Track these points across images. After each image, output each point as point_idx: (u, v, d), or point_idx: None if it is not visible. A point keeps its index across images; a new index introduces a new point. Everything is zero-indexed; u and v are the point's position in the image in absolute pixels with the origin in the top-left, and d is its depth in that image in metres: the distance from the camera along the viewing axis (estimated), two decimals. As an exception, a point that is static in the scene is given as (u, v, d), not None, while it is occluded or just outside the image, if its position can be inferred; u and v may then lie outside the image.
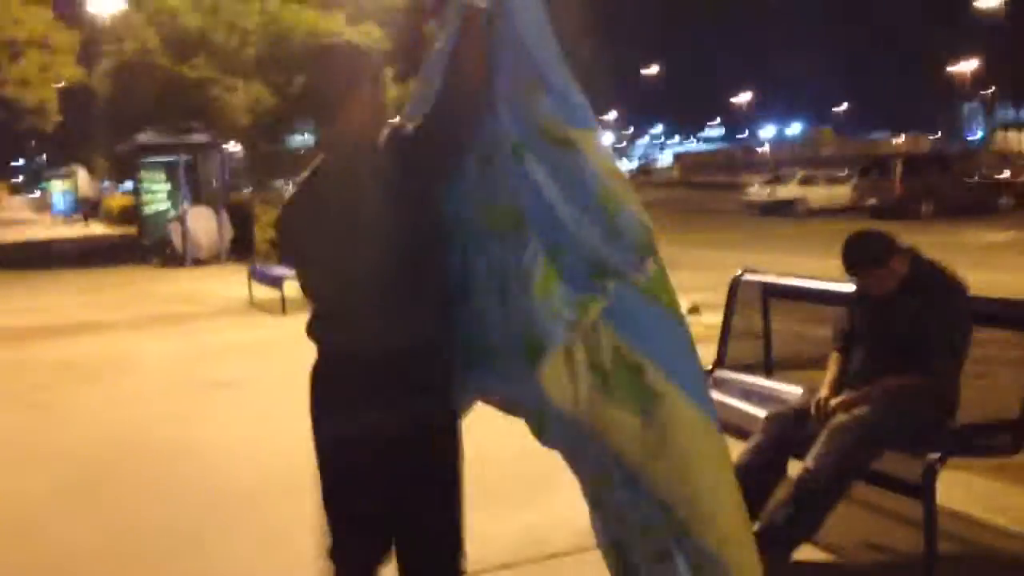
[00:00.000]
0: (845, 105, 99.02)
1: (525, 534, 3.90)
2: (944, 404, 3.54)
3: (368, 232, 2.26)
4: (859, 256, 3.59)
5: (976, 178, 27.33)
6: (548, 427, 2.56)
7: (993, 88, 72.21)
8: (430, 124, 2.32)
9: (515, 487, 4.40)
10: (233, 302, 11.91)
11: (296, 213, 2.44)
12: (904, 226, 21.67)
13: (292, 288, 10.85)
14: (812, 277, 4.78)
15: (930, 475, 3.22)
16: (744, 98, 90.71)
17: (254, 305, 11.46)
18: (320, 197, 2.37)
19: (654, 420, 2.36)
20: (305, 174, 2.46)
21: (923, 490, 3.23)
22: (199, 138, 18.76)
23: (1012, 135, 55.80)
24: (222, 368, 7.93)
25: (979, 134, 70.44)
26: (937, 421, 3.51)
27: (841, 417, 3.46)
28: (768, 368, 4.79)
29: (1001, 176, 28.75)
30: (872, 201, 26.37)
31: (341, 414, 2.35)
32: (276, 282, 10.85)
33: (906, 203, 24.95)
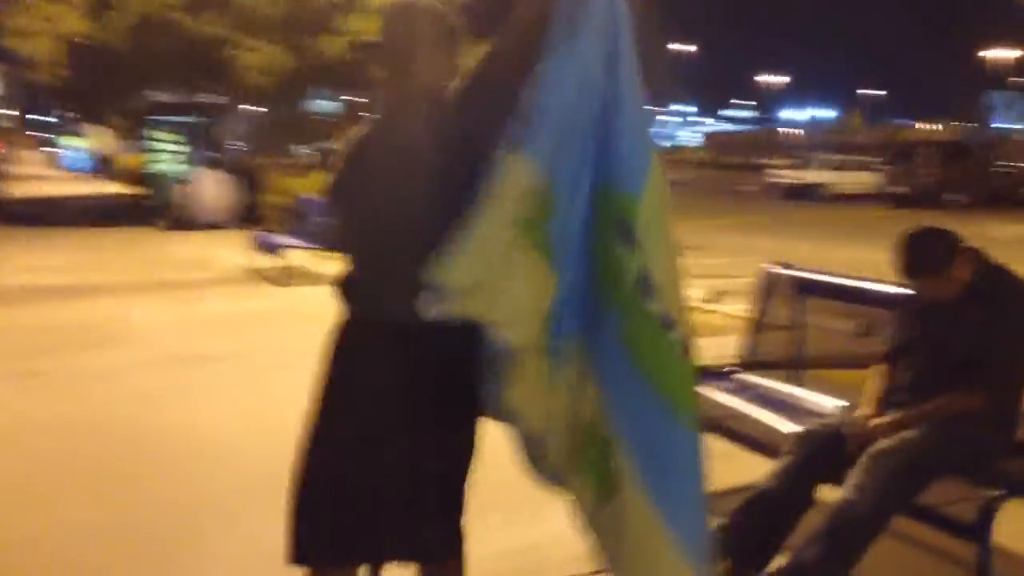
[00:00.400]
0: (878, 91, 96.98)
1: (518, 556, 3.51)
2: (1005, 430, 3.09)
3: (410, 194, 2.18)
4: (918, 261, 3.12)
5: (1006, 168, 26.73)
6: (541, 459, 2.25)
7: (1024, 78, 70.86)
8: (468, 88, 2.23)
9: (509, 499, 3.97)
10: (236, 270, 11.52)
11: (347, 165, 2.39)
12: (932, 217, 21.25)
13: (296, 258, 10.55)
14: (850, 275, 4.33)
15: (987, 515, 2.80)
16: (774, 80, 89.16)
17: (257, 274, 11.07)
18: (372, 152, 2.32)
19: (611, 505, 2.12)
20: (365, 126, 2.41)
21: (978, 531, 2.80)
22: (212, 99, 18.33)
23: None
24: (215, 341, 7.54)
25: (1008, 123, 69.27)
26: (996, 449, 3.07)
27: (884, 441, 3.01)
28: (797, 372, 4.34)
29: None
30: (900, 189, 25.84)
31: (353, 382, 2.28)
32: (279, 251, 10.48)
33: (932, 192, 24.42)
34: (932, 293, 3.16)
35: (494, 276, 2.06)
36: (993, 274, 3.13)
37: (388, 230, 2.24)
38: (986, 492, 2.85)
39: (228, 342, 7.45)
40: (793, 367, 4.34)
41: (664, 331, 2.02)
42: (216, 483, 4.32)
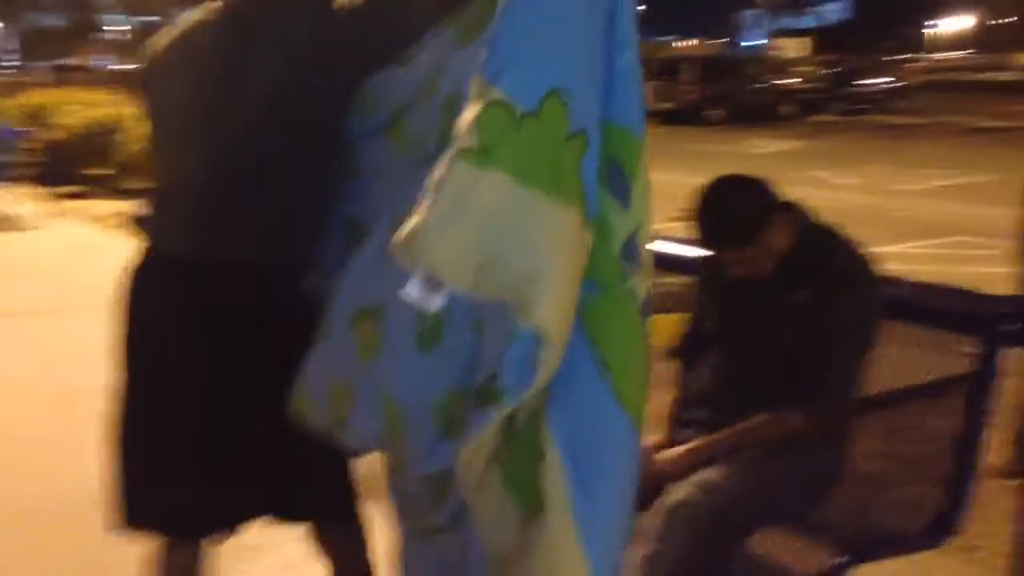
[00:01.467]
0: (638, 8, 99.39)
1: None
2: (839, 456, 2.27)
3: (235, 107, 1.80)
4: (720, 226, 2.20)
5: (764, 84, 27.64)
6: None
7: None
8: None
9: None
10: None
11: (158, 66, 1.96)
12: (694, 132, 21.49)
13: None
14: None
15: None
16: None
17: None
18: (191, 51, 1.88)
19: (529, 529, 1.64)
20: (190, 15, 1.95)
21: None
22: None
23: (788, 42, 58.08)
24: None
25: (758, 41, 73.16)
26: (830, 484, 2.25)
27: (684, 489, 2.10)
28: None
29: (786, 82, 29.27)
30: (664, 105, 26.16)
31: (153, 326, 1.92)
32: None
33: (694, 108, 24.90)
34: (740, 268, 2.26)
35: (501, 243, 1.56)
36: (819, 241, 2.24)
37: (190, 148, 1.88)
38: (823, 552, 2.03)
39: None
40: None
41: (641, 322, 1.66)
42: None
